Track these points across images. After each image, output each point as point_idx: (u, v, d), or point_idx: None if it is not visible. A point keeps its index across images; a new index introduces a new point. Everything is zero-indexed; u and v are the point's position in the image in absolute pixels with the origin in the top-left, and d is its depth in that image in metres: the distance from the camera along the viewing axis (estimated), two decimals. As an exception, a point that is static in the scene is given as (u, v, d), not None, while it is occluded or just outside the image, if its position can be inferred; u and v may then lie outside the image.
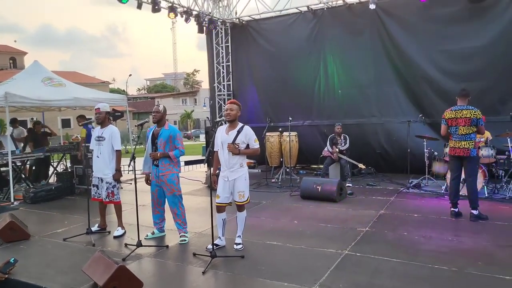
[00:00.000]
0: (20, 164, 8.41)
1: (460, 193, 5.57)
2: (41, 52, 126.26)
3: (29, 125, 11.30)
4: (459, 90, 5.47)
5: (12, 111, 8.24)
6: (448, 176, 6.25)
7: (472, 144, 5.22)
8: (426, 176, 7.54)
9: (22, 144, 9.12)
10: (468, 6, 7.80)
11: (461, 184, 5.57)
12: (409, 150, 7.43)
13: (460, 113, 5.30)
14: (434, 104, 8.15)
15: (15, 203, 7.23)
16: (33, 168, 9.16)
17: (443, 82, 8.07)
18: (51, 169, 9.21)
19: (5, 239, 4.93)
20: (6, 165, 7.45)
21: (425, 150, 7.41)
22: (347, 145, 8.25)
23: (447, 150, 6.32)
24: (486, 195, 6.41)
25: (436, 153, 7.50)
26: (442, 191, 6.81)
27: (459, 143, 5.29)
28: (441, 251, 4.14)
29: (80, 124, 7.40)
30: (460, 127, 5.28)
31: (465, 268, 3.68)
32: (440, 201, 6.32)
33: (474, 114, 5.21)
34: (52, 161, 9.33)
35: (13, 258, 3.90)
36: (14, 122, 8.90)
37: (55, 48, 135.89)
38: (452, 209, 5.47)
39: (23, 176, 8.67)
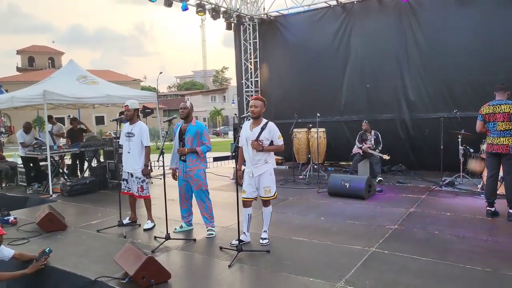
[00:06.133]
0: (58, 158, 8.81)
1: (498, 192, 5.33)
2: (73, 51, 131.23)
3: (66, 122, 11.78)
4: (498, 84, 5.20)
5: (50, 108, 8.60)
6: (485, 174, 5.99)
7: (511, 141, 4.96)
8: (461, 174, 7.26)
9: (61, 139, 9.52)
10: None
11: (499, 183, 5.33)
12: (442, 147, 7.17)
13: (498, 108, 5.05)
14: (470, 98, 7.80)
15: (54, 195, 7.59)
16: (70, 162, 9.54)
17: (480, 75, 7.70)
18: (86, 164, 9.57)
19: (45, 229, 5.21)
20: (46, 159, 7.83)
21: (460, 147, 7.13)
22: (380, 143, 8.00)
23: (484, 147, 6.06)
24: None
25: (471, 150, 7.20)
26: (478, 190, 6.54)
27: (497, 139, 5.05)
28: (475, 251, 3.98)
29: (111, 120, 7.63)
30: (499, 122, 5.02)
31: (499, 269, 3.52)
32: (475, 200, 6.07)
33: (513, 109, 4.94)
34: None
35: (48, 248, 4.07)
36: (50, 119, 9.30)
37: (85, 48, 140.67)
38: (488, 208, 5.24)
39: (60, 170, 9.08)
